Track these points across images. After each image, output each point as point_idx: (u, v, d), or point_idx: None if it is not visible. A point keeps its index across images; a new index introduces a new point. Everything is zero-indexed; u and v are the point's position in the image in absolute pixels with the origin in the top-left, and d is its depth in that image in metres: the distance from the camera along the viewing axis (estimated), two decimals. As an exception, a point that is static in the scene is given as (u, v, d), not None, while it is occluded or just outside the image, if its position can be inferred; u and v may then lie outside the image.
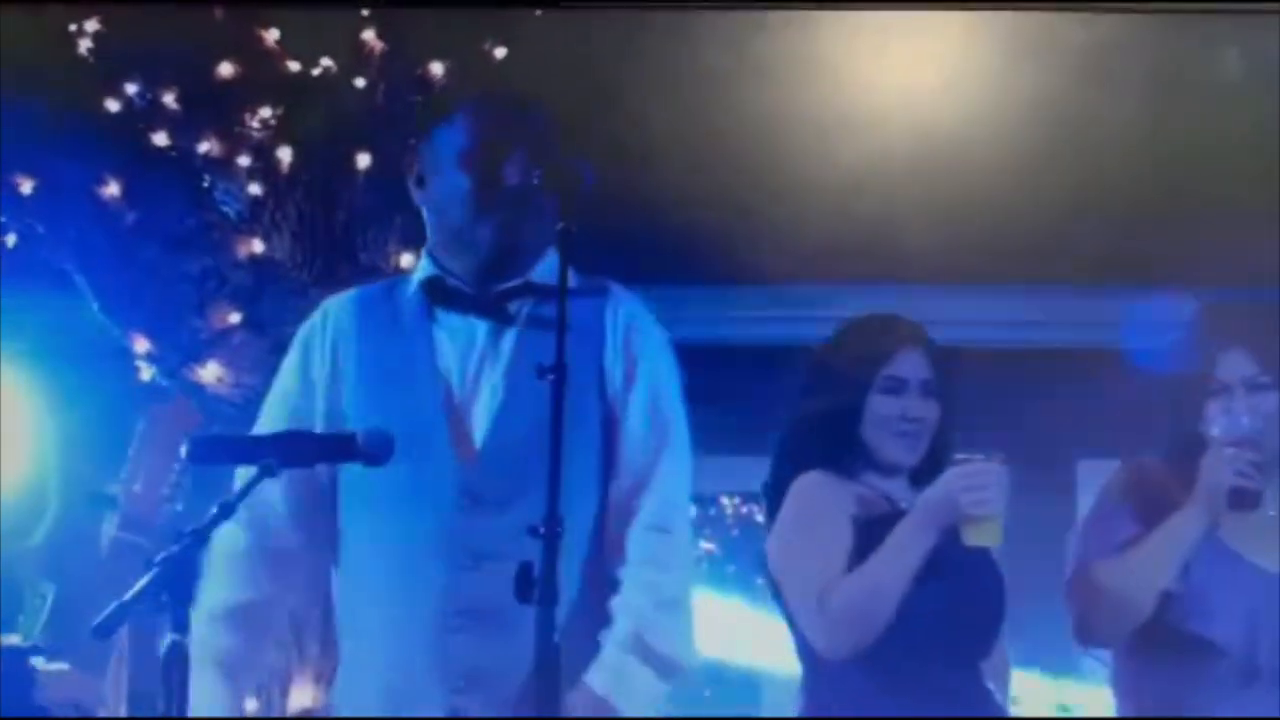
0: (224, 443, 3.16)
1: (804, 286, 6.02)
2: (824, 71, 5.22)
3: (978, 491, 3.08)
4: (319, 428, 3.02)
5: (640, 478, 2.98)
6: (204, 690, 2.89)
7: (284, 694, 4.81)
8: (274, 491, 2.97)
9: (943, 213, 5.45)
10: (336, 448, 2.89)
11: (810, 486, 3.30)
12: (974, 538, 3.11)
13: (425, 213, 3.12)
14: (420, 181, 3.09)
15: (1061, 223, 5.62)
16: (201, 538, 2.62)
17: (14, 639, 4.50)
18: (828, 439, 3.32)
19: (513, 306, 3.02)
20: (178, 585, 2.57)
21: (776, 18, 5.05)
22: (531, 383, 2.81)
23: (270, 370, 5.06)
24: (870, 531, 3.22)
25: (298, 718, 4.75)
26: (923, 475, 3.31)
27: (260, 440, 2.90)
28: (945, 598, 3.18)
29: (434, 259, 3.08)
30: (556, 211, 2.85)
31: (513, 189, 2.97)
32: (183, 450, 2.86)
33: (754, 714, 7.84)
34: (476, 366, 3.01)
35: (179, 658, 2.53)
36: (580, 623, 2.88)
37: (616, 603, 2.91)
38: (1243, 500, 3.24)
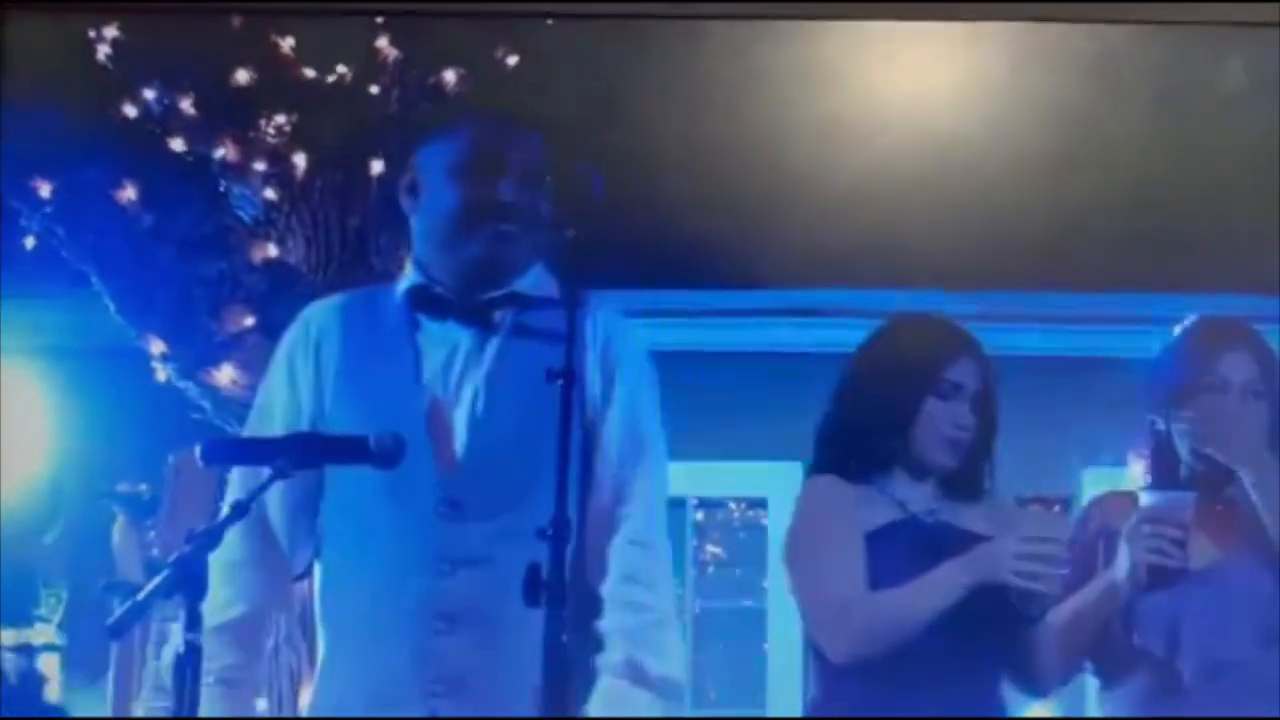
0: (237, 445, 3.17)
1: (811, 292, 6.06)
2: (831, 81, 5.25)
3: (1030, 563, 3.07)
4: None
5: (621, 490, 2.96)
6: (214, 707, 2.91)
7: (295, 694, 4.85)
8: (273, 497, 2.96)
9: (949, 220, 5.48)
10: (349, 450, 2.88)
11: (822, 491, 3.27)
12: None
13: (414, 221, 3.08)
14: (412, 190, 3.07)
15: (1068, 230, 5.64)
16: (214, 538, 2.63)
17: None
18: (871, 439, 3.26)
19: (497, 315, 3.00)
20: (190, 585, 2.61)
21: (784, 28, 5.09)
22: (514, 391, 2.85)
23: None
24: (879, 537, 3.21)
25: (301, 718, 4.78)
26: (954, 482, 3.29)
27: (274, 442, 2.90)
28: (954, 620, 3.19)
29: (421, 267, 3.05)
30: (550, 226, 2.85)
31: (505, 205, 2.96)
32: (198, 452, 2.86)
33: (759, 713, 7.87)
34: (459, 374, 2.98)
35: (192, 656, 2.57)
36: (571, 638, 2.83)
37: (605, 625, 2.90)
38: (1163, 578, 3.16)
